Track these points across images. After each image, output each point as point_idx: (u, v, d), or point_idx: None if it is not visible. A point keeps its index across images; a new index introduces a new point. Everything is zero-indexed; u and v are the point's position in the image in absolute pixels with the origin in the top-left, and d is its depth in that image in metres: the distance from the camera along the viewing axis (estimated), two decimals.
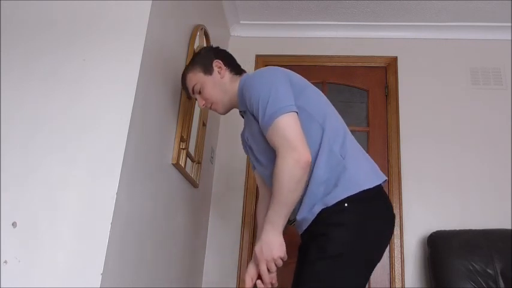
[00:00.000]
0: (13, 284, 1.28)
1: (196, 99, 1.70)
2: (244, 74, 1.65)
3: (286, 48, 3.00)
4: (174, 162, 1.89)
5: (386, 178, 1.44)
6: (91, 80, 1.50)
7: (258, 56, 3.00)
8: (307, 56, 2.99)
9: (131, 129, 1.45)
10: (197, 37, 2.15)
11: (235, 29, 3.06)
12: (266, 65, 2.94)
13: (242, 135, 1.62)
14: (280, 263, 1.34)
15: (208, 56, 1.66)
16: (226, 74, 1.63)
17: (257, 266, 1.37)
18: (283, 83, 1.41)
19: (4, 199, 1.38)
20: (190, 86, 1.66)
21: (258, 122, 1.40)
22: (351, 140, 1.45)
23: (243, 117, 1.60)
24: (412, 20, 2.91)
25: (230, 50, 2.96)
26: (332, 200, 1.32)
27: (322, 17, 2.94)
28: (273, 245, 1.32)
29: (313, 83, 3.13)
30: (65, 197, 1.36)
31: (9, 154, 1.43)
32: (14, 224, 1.35)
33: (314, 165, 1.36)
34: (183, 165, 1.97)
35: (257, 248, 1.35)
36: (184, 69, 1.71)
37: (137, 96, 1.49)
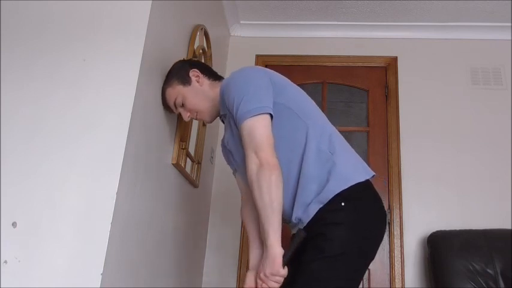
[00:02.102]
0: (13, 284, 1.28)
1: (180, 114, 1.68)
2: (223, 80, 1.64)
3: (286, 48, 3.01)
4: (174, 162, 1.89)
5: (375, 173, 1.44)
6: (91, 80, 1.49)
7: (258, 56, 3.00)
8: (307, 56, 2.99)
9: (131, 129, 1.45)
10: (197, 37, 2.15)
11: (235, 29, 3.06)
12: (266, 65, 2.95)
13: (222, 141, 1.59)
14: (277, 279, 1.27)
15: (183, 67, 1.66)
16: (205, 82, 1.63)
17: (255, 276, 1.37)
18: (262, 82, 1.40)
19: (4, 199, 1.38)
20: (171, 100, 1.65)
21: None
22: (338, 137, 1.45)
23: (223, 122, 1.59)
24: (412, 20, 2.91)
25: (230, 50, 3.02)
26: (326, 196, 1.31)
27: (322, 17, 2.94)
28: (267, 261, 1.28)
29: (313, 83, 3.15)
30: (65, 197, 1.36)
31: (9, 154, 1.43)
32: (14, 224, 1.35)
33: (302, 162, 1.36)
34: (183, 165, 1.97)
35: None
36: (162, 86, 1.70)
37: (137, 96, 1.49)
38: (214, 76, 1.67)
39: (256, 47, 3.02)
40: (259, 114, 1.33)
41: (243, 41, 3.06)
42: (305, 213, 1.34)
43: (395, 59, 2.94)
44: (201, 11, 2.29)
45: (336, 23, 2.98)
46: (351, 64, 2.98)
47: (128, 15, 1.57)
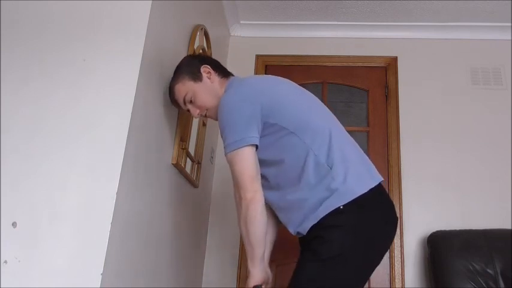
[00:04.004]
0: (13, 284, 1.28)
1: (188, 110, 1.66)
2: (231, 78, 1.63)
3: (286, 48, 3.00)
4: (174, 162, 1.89)
5: (383, 179, 1.41)
6: (91, 80, 1.49)
7: (258, 56, 2.99)
8: (307, 56, 2.99)
9: (131, 129, 1.45)
10: (197, 37, 2.15)
11: (235, 29, 3.06)
12: (266, 65, 2.96)
13: None
14: None
15: (193, 63, 1.64)
16: (216, 79, 1.61)
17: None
18: (246, 109, 1.38)
19: (4, 199, 1.38)
20: (180, 96, 1.63)
21: None
22: (338, 141, 1.40)
23: None
24: (412, 20, 2.91)
25: (230, 50, 3.02)
26: (323, 212, 1.31)
27: (322, 17, 2.94)
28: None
29: (313, 83, 3.14)
30: (65, 197, 1.36)
31: (9, 154, 1.43)
32: (14, 224, 1.35)
33: (301, 180, 1.36)
34: (183, 165, 1.97)
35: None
36: (171, 82, 1.68)
37: (137, 96, 1.49)
38: (224, 73, 1.65)
39: (256, 47, 3.01)
40: (238, 148, 1.35)
41: (243, 41, 3.05)
42: (300, 227, 1.36)
43: (395, 59, 2.94)
44: (201, 11, 2.29)
45: (336, 23, 2.98)
46: (351, 64, 2.98)
47: (128, 15, 1.57)
